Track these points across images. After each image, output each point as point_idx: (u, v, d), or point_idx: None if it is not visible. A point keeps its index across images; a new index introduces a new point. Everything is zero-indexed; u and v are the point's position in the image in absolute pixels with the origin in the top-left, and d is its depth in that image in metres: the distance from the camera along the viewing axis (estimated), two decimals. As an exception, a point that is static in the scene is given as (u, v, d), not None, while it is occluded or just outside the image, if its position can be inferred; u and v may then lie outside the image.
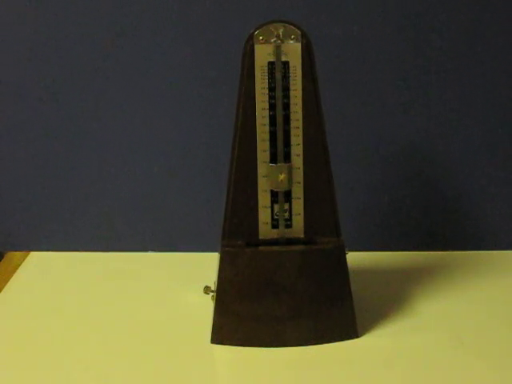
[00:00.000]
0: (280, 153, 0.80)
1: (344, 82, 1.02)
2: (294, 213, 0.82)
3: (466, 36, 1.00)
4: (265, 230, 0.82)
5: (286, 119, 0.80)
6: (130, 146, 1.06)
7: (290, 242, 0.83)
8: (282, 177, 0.80)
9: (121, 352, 0.84)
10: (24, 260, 1.07)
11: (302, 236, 0.83)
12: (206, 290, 0.87)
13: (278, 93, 0.79)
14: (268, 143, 0.80)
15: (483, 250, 1.08)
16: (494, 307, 0.93)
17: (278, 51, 0.78)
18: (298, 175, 0.81)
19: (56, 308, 0.94)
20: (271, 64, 0.78)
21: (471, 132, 1.04)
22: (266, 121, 0.79)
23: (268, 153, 0.80)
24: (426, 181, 1.07)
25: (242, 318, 0.83)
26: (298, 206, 0.82)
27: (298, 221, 0.82)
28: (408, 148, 1.05)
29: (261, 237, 0.83)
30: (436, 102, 1.03)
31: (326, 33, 0.99)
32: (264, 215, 0.82)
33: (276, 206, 0.82)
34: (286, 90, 0.79)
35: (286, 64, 0.79)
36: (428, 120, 1.04)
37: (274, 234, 0.83)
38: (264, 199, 0.82)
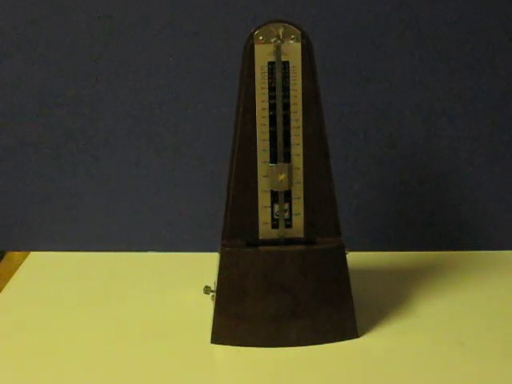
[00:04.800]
0: (280, 153, 0.80)
1: (344, 81, 1.02)
2: (294, 213, 0.82)
3: (467, 36, 1.00)
4: (265, 230, 0.82)
5: (286, 119, 0.80)
6: (129, 146, 1.06)
7: (290, 241, 0.83)
8: (281, 177, 0.80)
9: (121, 352, 0.84)
10: (24, 260, 1.07)
11: (302, 236, 0.83)
12: (206, 290, 0.87)
13: (278, 93, 0.79)
14: (268, 143, 0.80)
15: (483, 250, 1.08)
16: (494, 307, 0.93)
17: (277, 51, 0.78)
18: (298, 175, 0.81)
19: (56, 308, 0.94)
20: (271, 64, 0.78)
21: (471, 132, 1.04)
22: (266, 121, 0.79)
23: (268, 153, 0.80)
24: (426, 181, 1.07)
25: (242, 317, 0.83)
26: (298, 206, 0.82)
27: (298, 221, 0.82)
28: (408, 148, 1.05)
29: (261, 237, 0.83)
30: (437, 102, 1.03)
31: (326, 33, 0.99)
32: (264, 215, 0.82)
33: (276, 206, 0.82)
34: (286, 89, 0.79)
35: (285, 64, 0.79)
36: (429, 120, 1.04)
37: (274, 234, 0.83)
38: (264, 199, 0.82)
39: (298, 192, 0.81)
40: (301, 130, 0.80)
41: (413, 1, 0.99)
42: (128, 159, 1.06)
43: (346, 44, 1.00)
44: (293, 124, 0.80)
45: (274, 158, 0.80)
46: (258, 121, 0.79)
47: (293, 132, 0.80)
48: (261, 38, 0.78)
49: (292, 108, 0.79)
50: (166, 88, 1.03)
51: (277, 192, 0.81)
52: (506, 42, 1.00)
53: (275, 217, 0.82)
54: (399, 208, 1.08)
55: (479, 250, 1.08)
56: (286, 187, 0.81)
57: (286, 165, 0.80)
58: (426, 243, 1.09)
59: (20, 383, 0.79)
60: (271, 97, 0.79)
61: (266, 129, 0.80)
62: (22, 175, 1.07)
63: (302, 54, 0.78)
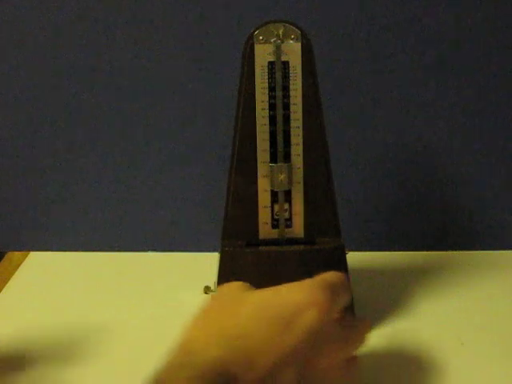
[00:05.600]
0: (280, 153, 0.80)
1: (345, 82, 1.02)
2: (293, 213, 0.82)
3: (468, 36, 1.00)
4: (265, 230, 0.82)
5: (286, 119, 0.80)
6: (129, 147, 1.06)
7: (290, 241, 0.83)
8: (281, 177, 0.80)
9: (120, 352, 0.84)
10: (24, 260, 1.07)
11: (302, 236, 0.83)
12: (206, 289, 0.87)
13: (278, 93, 0.79)
14: (268, 143, 0.80)
15: (483, 250, 1.08)
16: (495, 307, 0.93)
17: (278, 51, 0.78)
18: (298, 175, 0.81)
19: (56, 308, 0.94)
20: (271, 64, 0.78)
21: (472, 132, 1.04)
22: (266, 121, 0.80)
23: (268, 153, 0.80)
24: (427, 181, 1.07)
25: None
26: (298, 205, 0.82)
27: (298, 221, 0.82)
28: (409, 148, 1.05)
29: (261, 237, 0.83)
30: (437, 103, 1.03)
31: (326, 33, 0.99)
32: (264, 215, 0.82)
33: (276, 206, 0.82)
34: (286, 89, 0.79)
35: (285, 64, 0.79)
36: (429, 121, 1.04)
37: (274, 234, 0.83)
38: (264, 199, 0.82)
39: (298, 192, 0.81)
40: (301, 129, 0.80)
41: (414, 0, 0.99)
42: (128, 159, 1.06)
43: (347, 44, 1.00)
44: (293, 124, 0.80)
45: (274, 158, 0.80)
46: (258, 121, 0.80)
47: (293, 132, 0.80)
48: (261, 37, 0.78)
49: (292, 108, 0.79)
50: (165, 88, 1.03)
51: (277, 192, 0.81)
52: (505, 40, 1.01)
53: (275, 217, 0.82)
54: (399, 208, 1.08)
55: (479, 250, 1.08)
56: (286, 187, 0.81)
57: (286, 165, 0.80)
58: (426, 243, 1.08)
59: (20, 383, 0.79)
60: (271, 97, 0.79)
61: (266, 129, 0.80)
62: (21, 175, 1.07)
63: (302, 54, 0.78)
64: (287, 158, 0.80)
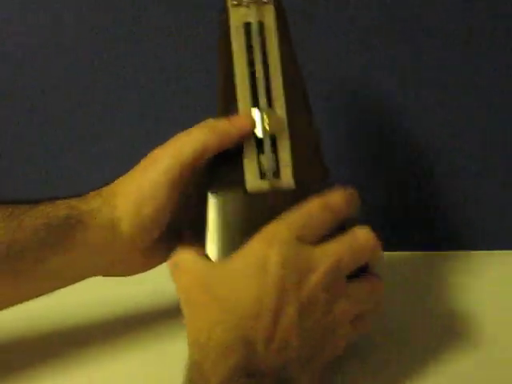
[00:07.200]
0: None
1: (345, 80, 1.06)
2: (280, 162, 0.81)
3: (468, 36, 1.04)
4: (252, 181, 0.81)
5: (266, 73, 0.82)
6: (129, 146, 1.09)
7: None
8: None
9: (121, 352, 0.84)
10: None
11: (293, 186, 0.81)
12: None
13: (256, 52, 0.82)
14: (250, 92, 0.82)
15: (483, 250, 1.08)
16: (495, 307, 0.93)
17: (251, 12, 0.82)
18: (282, 124, 0.81)
19: (55, 308, 0.94)
20: (247, 25, 0.82)
21: (472, 132, 1.07)
22: (247, 73, 0.82)
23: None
24: (427, 181, 1.08)
25: None
26: (286, 154, 0.81)
27: (286, 170, 0.81)
28: (409, 148, 1.07)
29: (248, 187, 0.80)
30: (436, 102, 1.06)
31: (325, 32, 1.04)
32: (250, 167, 0.81)
33: (262, 157, 0.82)
34: (263, 48, 0.82)
35: (261, 24, 0.82)
36: (429, 120, 1.06)
37: (263, 184, 0.81)
38: (249, 150, 0.81)
39: (283, 140, 0.81)
40: (281, 81, 0.82)
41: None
42: (128, 159, 1.06)
43: (346, 43, 1.04)
44: (272, 76, 0.82)
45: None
46: (239, 77, 0.82)
47: (273, 83, 0.82)
48: (234, 2, 0.82)
49: (270, 61, 0.82)
50: (165, 88, 1.07)
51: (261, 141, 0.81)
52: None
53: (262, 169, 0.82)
54: (399, 208, 1.09)
55: (479, 250, 1.08)
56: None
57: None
58: (427, 243, 1.09)
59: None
60: (250, 53, 0.82)
61: (247, 81, 0.82)
62: (21, 175, 1.10)
63: (276, 15, 0.82)
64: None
